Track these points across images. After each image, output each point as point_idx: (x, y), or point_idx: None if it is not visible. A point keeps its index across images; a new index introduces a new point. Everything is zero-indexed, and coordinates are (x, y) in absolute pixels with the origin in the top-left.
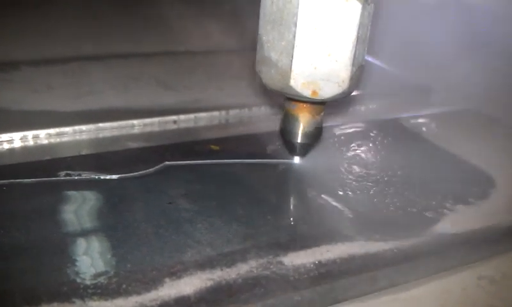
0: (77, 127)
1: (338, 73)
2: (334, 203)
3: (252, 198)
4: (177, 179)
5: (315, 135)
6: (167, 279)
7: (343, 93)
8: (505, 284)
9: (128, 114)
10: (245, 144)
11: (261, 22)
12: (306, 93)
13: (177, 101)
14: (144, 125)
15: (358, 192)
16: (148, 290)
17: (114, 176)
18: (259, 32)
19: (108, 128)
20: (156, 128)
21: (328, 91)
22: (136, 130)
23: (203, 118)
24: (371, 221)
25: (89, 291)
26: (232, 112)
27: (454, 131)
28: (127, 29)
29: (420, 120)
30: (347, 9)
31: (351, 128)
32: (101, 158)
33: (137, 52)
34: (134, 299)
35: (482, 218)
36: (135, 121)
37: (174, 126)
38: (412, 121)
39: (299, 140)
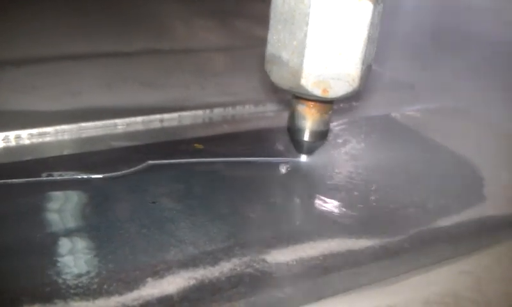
0: (59, 127)
1: (348, 72)
2: (317, 201)
3: (235, 197)
4: (161, 178)
5: (323, 134)
6: (149, 279)
7: (353, 91)
8: (486, 278)
9: (112, 113)
10: (229, 143)
11: (271, 21)
12: (317, 92)
13: (161, 100)
14: (128, 124)
15: (342, 189)
16: (130, 289)
17: (98, 176)
18: (269, 32)
19: (91, 128)
20: (140, 128)
21: (338, 90)
22: (119, 130)
23: (187, 116)
24: (354, 218)
25: (71, 291)
26: (216, 110)
27: (440, 127)
28: (111, 28)
29: (406, 117)
30: (359, 9)
31: (337, 125)
32: (84, 158)
33: (121, 51)
34: (116, 299)
35: (464, 213)
36: (118, 121)
37: (158, 125)
38: (397, 118)
39: (306, 138)
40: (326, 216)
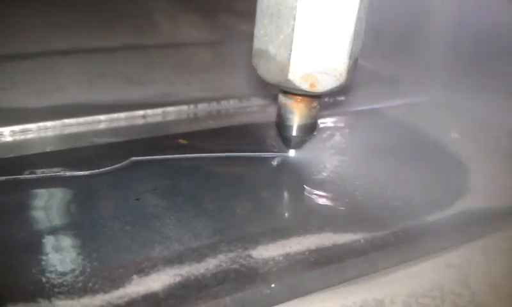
0: (41, 124)
1: (335, 66)
2: (303, 195)
3: (221, 192)
4: (145, 174)
5: (311, 128)
6: (135, 276)
7: (340, 85)
8: (472, 271)
9: (95, 109)
10: (214, 138)
11: (258, 16)
12: (304, 86)
13: (145, 95)
14: (111, 120)
15: (328, 184)
16: (115, 287)
17: (81, 173)
18: (256, 26)
19: (74, 125)
20: (123, 124)
21: (325, 84)
22: (103, 126)
23: (171, 112)
24: (340, 212)
25: (55, 290)
26: (201, 106)
27: (425, 121)
28: (93, 22)
29: (391, 110)
30: (345, 3)
31: (322, 119)
32: (67, 154)
33: (103, 47)
34: (101, 297)
35: (450, 207)
36: (101, 117)
37: (141, 121)
38: (382, 112)
39: (294, 133)
40: (312, 211)
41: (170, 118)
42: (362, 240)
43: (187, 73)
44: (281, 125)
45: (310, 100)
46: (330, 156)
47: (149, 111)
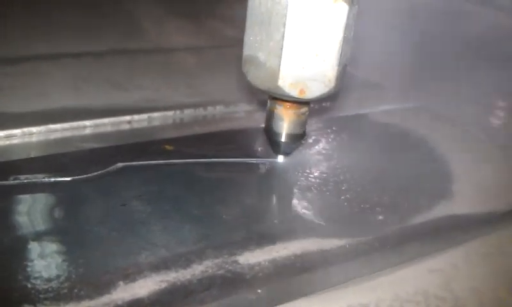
0: (26, 129)
1: (325, 73)
2: (289, 201)
3: (207, 198)
4: (131, 180)
5: (300, 135)
6: (120, 283)
7: (329, 92)
8: (455, 276)
9: (80, 114)
10: (200, 144)
11: (248, 23)
12: (294, 93)
13: (130, 101)
14: (96, 125)
15: (314, 189)
16: (100, 293)
17: (66, 179)
18: (246, 33)
19: (59, 130)
20: (108, 129)
21: (315, 90)
22: (88, 131)
23: (157, 117)
24: (326, 218)
25: (41, 296)
26: (187, 111)
27: (409, 126)
28: (79, 27)
29: (376, 116)
30: (334, 11)
31: (308, 126)
32: (52, 160)
33: (89, 51)
34: (87, 304)
35: (433, 212)
36: (87, 122)
37: (127, 127)
38: (367, 117)
39: (283, 139)
40: (298, 216)
41: (156, 123)
42: (347, 246)
43: (173, 78)
44: (270, 131)
45: (299, 106)
46: (316, 162)
47: (135, 117)
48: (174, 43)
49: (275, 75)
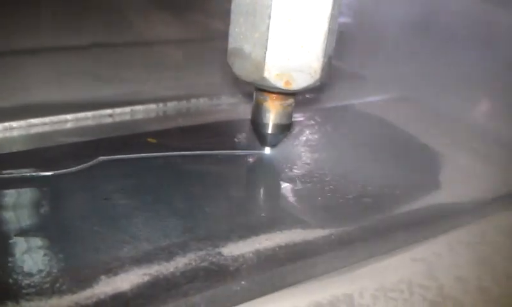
0: (7, 124)
1: (310, 64)
2: (273, 193)
3: (190, 191)
4: (113, 174)
5: (286, 126)
6: (103, 277)
7: (315, 83)
8: (438, 264)
9: (62, 108)
10: (184, 137)
11: (233, 15)
12: (280, 84)
13: (113, 94)
14: (78, 119)
15: (298, 181)
16: (83, 288)
17: (48, 173)
18: (231, 24)
19: (40, 124)
20: (91, 123)
21: (300, 82)
22: (70, 125)
23: (140, 110)
24: (309, 209)
25: (23, 291)
26: (170, 104)
27: (393, 117)
28: (62, 20)
29: (360, 107)
30: (319, 2)
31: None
32: (33, 155)
33: (72, 45)
34: (69, 298)
35: (417, 201)
36: (68, 116)
37: (109, 120)
38: (351, 109)
39: (270, 131)
40: (282, 208)
41: (139, 116)
42: (331, 236)
43: (156, 71)
44: (256, 123)
45: (285, 97)
46: (299, 153)
47: (117, 110)
48: (158, 36)
49: (261, 66)
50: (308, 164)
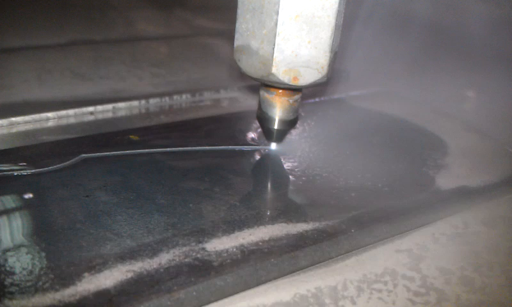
0: None
1: (317, 60)
2: (256, 188)
3: (173, 187)
4: (95, 171)
5: (292, 121)
6: (86, 274)
7: (322, 78)
8: (422, 256)
9: (43, 106)
10: (166, 134)
11: (239, 11)
12: (287, 80)
13: (94, 92)
14: (59, 117)
15: (282, 175)
16: (66, 285)
17: (29, 171)
18: (237, 21)
19: (21, 123)
20: (72, 121)
21: (308, 77)
22: (51, 123)
23: (122, 108)
24: (293, 203)
25: (5, 290)
26: (152, 101)
27: (379, 110)
28: (42, 18)
29: (345, 102)
30: None
31: None
32: (15, 153)
33: (52, 43)
34: (52, 296)
35: (400, 194)
36: (49, 114)
37: (91, 118)
38: (337, 103)
39: (276, 126)
40: (265, 202)
41: (121, 113)
42: (314, 229)
43: (138, 68)
44: (263, 119)
45: (291, 93)
46: (284, 147)
47: (99, 107)
48: (140, 32)
49: (268, 62)
50: (291, 158)
